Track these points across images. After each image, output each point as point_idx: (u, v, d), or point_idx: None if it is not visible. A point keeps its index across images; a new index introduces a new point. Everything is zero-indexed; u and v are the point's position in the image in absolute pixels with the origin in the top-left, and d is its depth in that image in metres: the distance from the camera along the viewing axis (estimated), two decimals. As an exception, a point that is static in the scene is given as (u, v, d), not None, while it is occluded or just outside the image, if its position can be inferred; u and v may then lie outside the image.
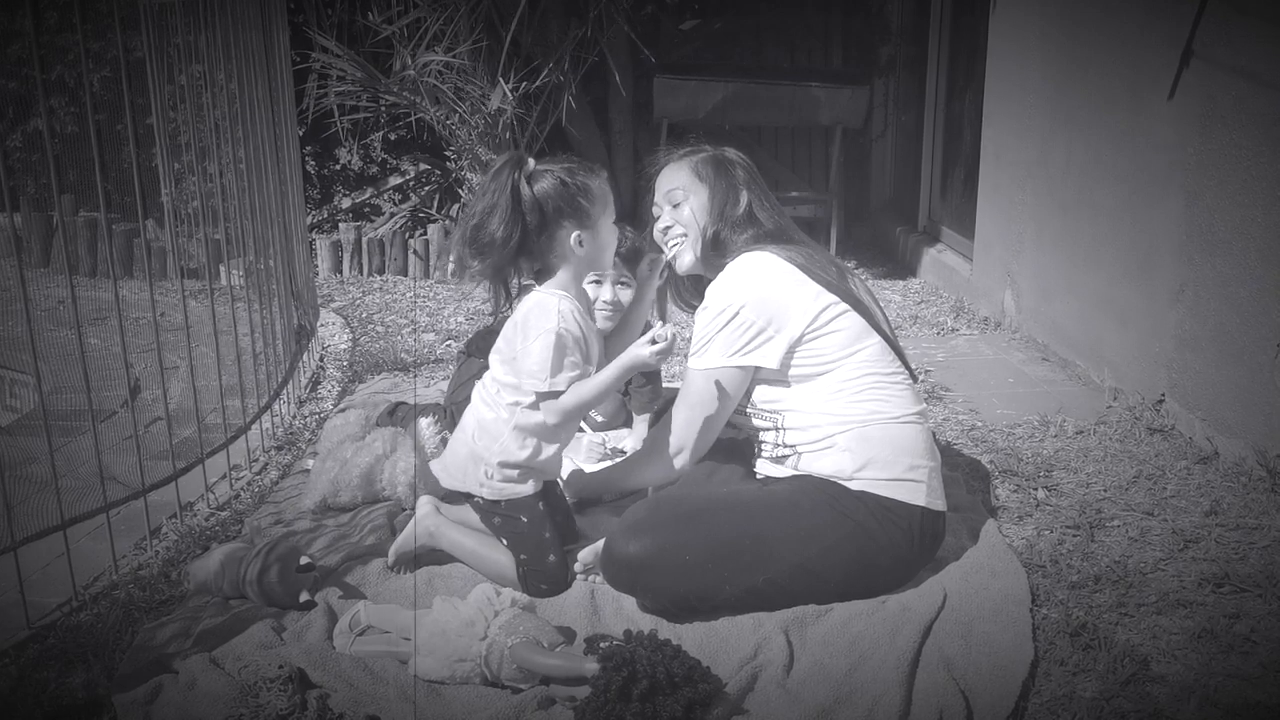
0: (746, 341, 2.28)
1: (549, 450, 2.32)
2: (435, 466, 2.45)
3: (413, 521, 2.45)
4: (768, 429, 2.37)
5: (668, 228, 2.43)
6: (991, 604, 2.23)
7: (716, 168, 2.41)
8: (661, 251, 2.46)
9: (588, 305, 2.36)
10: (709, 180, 2.40)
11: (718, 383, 2.31)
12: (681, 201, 2.41)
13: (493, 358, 2.34)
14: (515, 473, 2.31)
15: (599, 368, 2.29)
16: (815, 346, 2.28)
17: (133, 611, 2.29)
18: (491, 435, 2.31)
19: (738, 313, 2.27)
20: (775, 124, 6.41)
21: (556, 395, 2.22)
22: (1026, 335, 4.33)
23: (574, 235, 2.25)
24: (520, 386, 2.26)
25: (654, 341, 2.14)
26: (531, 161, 2.25)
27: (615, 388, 2.27)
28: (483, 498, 2.34)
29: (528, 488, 2.32)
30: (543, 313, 2.23)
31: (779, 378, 2.31)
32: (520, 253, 2.25)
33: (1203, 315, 3.15)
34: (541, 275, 2.32)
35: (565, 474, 2.68)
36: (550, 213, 2.22)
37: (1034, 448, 3.17)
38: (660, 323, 2.19)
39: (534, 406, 2.26)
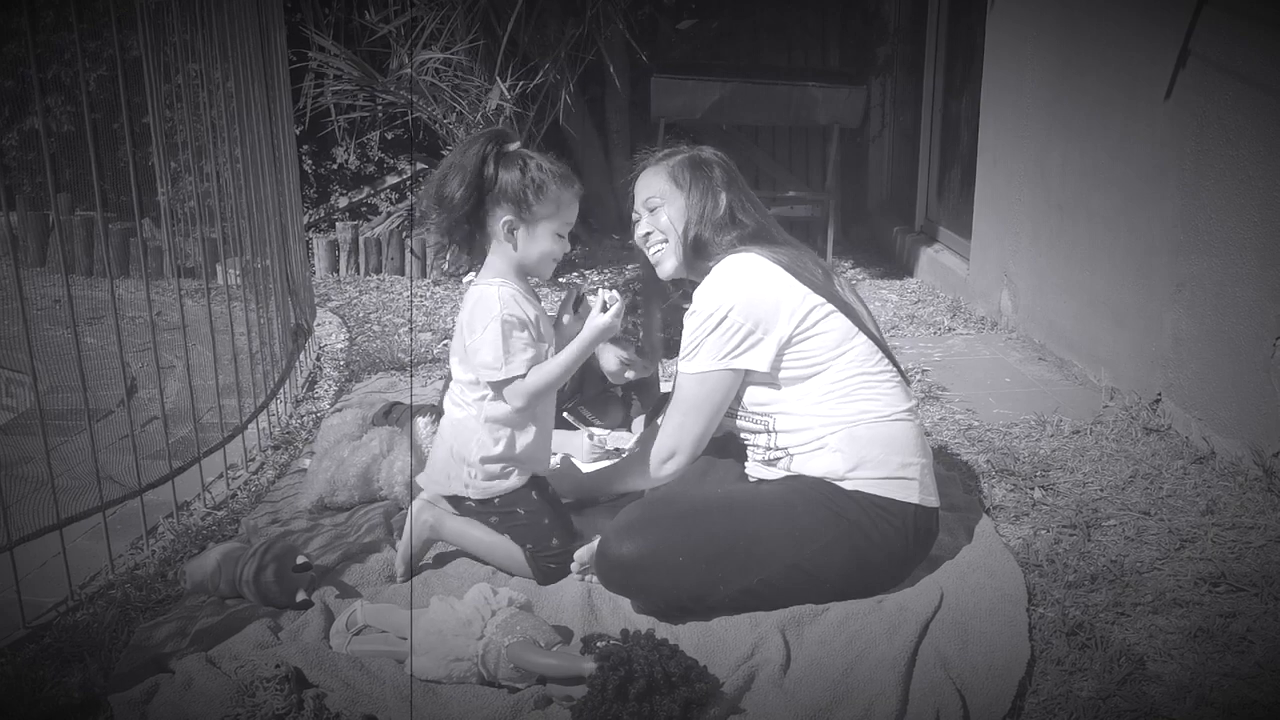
0: (736, 344, 2.28)
1: (524, 439, 2.33)
2: (421, 479, 2.46)
3: (409, 523, 2.44)
4: (758, 432, 2.37)
5: (648, 234, 2.43)
6: (988, 603, 2.23)
7: (694, 171, 2.40)
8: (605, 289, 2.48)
9: (529, 291, 2.36)
10: (686, 185, 2.39)
11: (709, 386, 2.31)
12: (659, 208, 2.41)
13: (451, 359, 2.36)
14: (497, 468, 2.32)
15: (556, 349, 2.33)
16: (804, 348, 2.28)
17: (129, 611, 2.29)
18: (467, 433, 2.33)
19: (726, 315, 2.26)
20: (772, 123, 6.41)
21: (513, 380, 2.25)
22: (1023, 335, 4.33)
23: (504, 220, 2.27)
24: (479, 381, 2.28)
25: (605, 308, 2.23)
26: (513, 144, 2.28)
27: (579, 363, 2.30)
28: (471, 499, 2.36)
29: (512, 481, 2.34)
30: (485, 304, 2.26)
31: (769, 381, 2.31)
32: (471, 218, 2.29)
33: (1199, 315, 3.15)
34: (480, 266, 2.35)
35: (556, 460, 2.68)
36: (494, 192, 2.26)
37: (1031, 447, 3.17)
38: (605, 289, 2.27)
39: (498, 397, 2.29)
